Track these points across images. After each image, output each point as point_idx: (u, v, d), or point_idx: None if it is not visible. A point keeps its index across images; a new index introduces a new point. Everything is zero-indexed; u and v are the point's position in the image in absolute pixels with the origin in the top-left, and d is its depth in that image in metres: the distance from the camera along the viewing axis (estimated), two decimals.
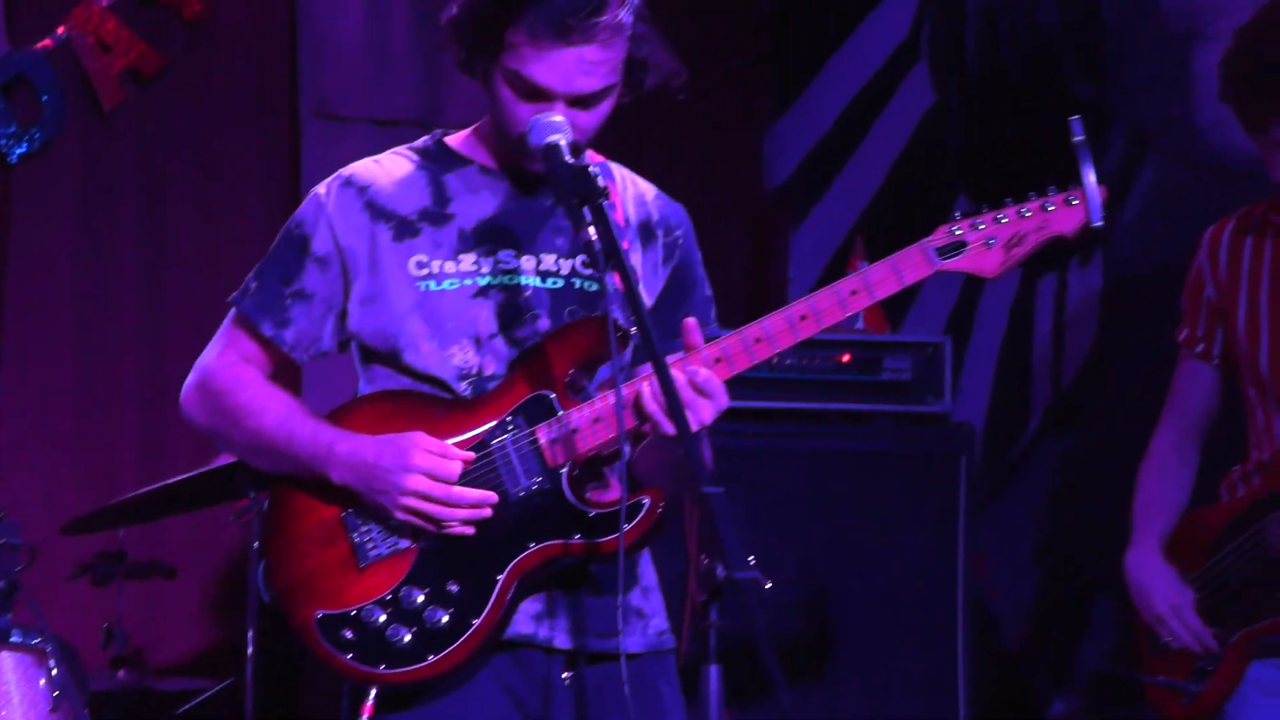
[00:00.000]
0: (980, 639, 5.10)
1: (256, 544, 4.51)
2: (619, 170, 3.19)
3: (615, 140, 3.23)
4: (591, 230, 2.83)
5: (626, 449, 3.08)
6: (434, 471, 2.95)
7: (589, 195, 2.85)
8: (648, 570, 3.14)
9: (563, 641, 3.03)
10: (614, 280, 2.93)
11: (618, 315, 2.93)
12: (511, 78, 2.97)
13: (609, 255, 2.83)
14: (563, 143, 2.92)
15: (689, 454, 2.76)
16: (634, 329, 2.98)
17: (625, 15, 2.97)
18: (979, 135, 5.81)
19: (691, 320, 2.97)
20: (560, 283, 3.08)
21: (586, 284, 3.08)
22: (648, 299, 3.11)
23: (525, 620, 3.01)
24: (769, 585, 2.86)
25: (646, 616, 3.12)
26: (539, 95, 2.96)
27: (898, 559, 4.95)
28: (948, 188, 5.84)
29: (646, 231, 3.18)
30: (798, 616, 4.89)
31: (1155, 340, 4.94)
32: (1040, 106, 5.60)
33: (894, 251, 2.97)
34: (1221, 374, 3.91)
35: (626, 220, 3.14)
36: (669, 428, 2.87)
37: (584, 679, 3.04)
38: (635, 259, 3.11)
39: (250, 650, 4.53)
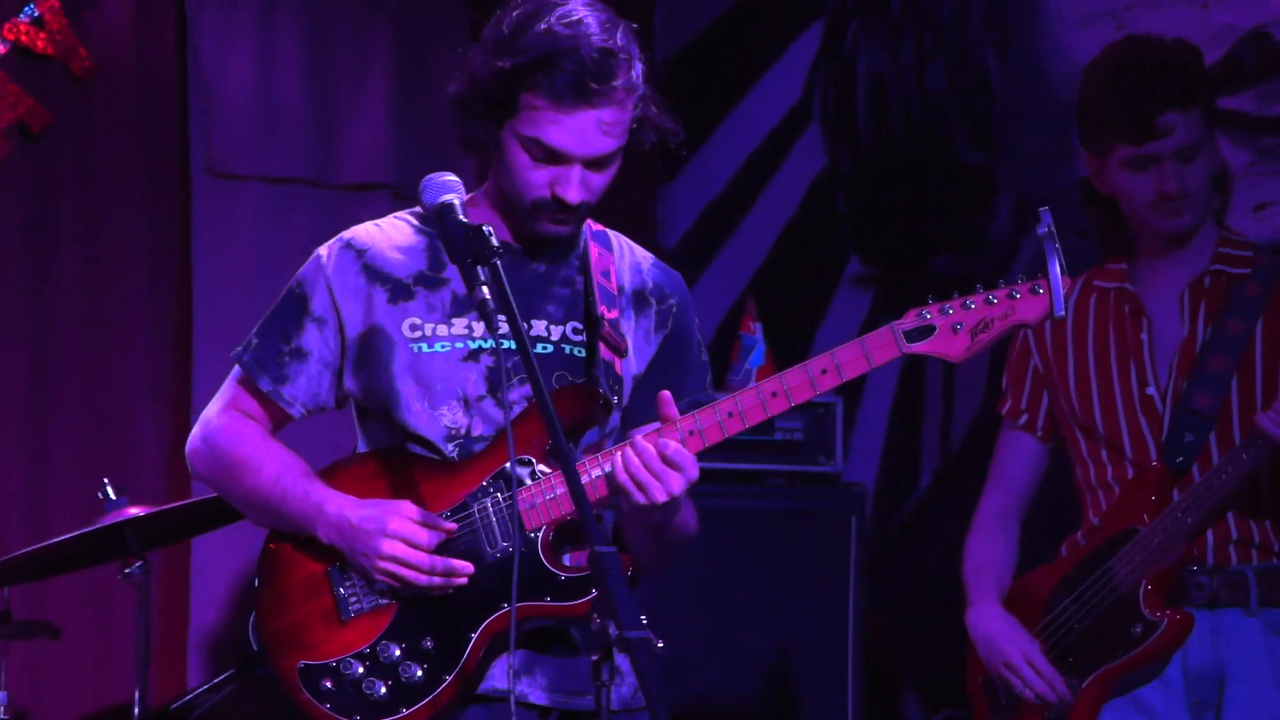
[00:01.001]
0: (870, 696, 5.11)
1: (139, 604, 4.47)
2: (616, 238, 3.28)
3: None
4: (485, 290, 2.85)
5: (609, 515, 3.17)
6: (412, 538, 3.03)
7: (483, 255, 2.88)
8: None
9: (538, 698, 3.12)
10: (603, 353, 3.09)
11: (603, 384, 3.07)
12: (528, 143, 3.06)
13: (507, 318, 2.86)
14: (457, 202, 2.96)
15: (586, 528, 2.78)
16: (615, 398, 3.12)
17: (636, 77, 3.08)
18: (869, 198, 5.83)
19: (666, 394, 3.05)
20: (550, 348, 3.15)
21: (576, 350, 3.16)
22: (637, 366, 3.21)
23: (501, 675, 3.08)
24: (661, 644, 2.91)
25: (623, 674, 3.07)
26: (557, 159, 3.06)
27: (790, 616, 4.98)
28: (839, 250, 5.84)
29: (640, 299, 3.26)
30: (692, 674, 4.88)
31: None
32: (929, 171, 5.66)
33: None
34: (1045, 445, 3.99)
35: (621, 288, 3.23)
36: (639, 498, 2.98)
37: None
38: (627, 327, 3.21)
39: (137, 711, 4.47)
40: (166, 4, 5.38)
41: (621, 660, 3.10)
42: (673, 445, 3.00)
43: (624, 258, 3.27)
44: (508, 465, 3.09)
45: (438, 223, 2.98)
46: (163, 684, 5.16)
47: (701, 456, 4.87)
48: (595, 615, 2.72)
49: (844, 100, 5.88)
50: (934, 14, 5.66)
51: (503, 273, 2.89)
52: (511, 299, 2.88)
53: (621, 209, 3.24)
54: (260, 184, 5.42)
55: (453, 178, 3.02)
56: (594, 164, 3.08)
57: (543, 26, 3.04)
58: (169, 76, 5.38)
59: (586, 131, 3.05)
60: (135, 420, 5.21)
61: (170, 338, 5.26)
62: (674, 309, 3.29)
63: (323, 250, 3.23)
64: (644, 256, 3.33)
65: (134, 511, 4.42)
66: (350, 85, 5.49)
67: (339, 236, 3.23)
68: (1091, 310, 3.91)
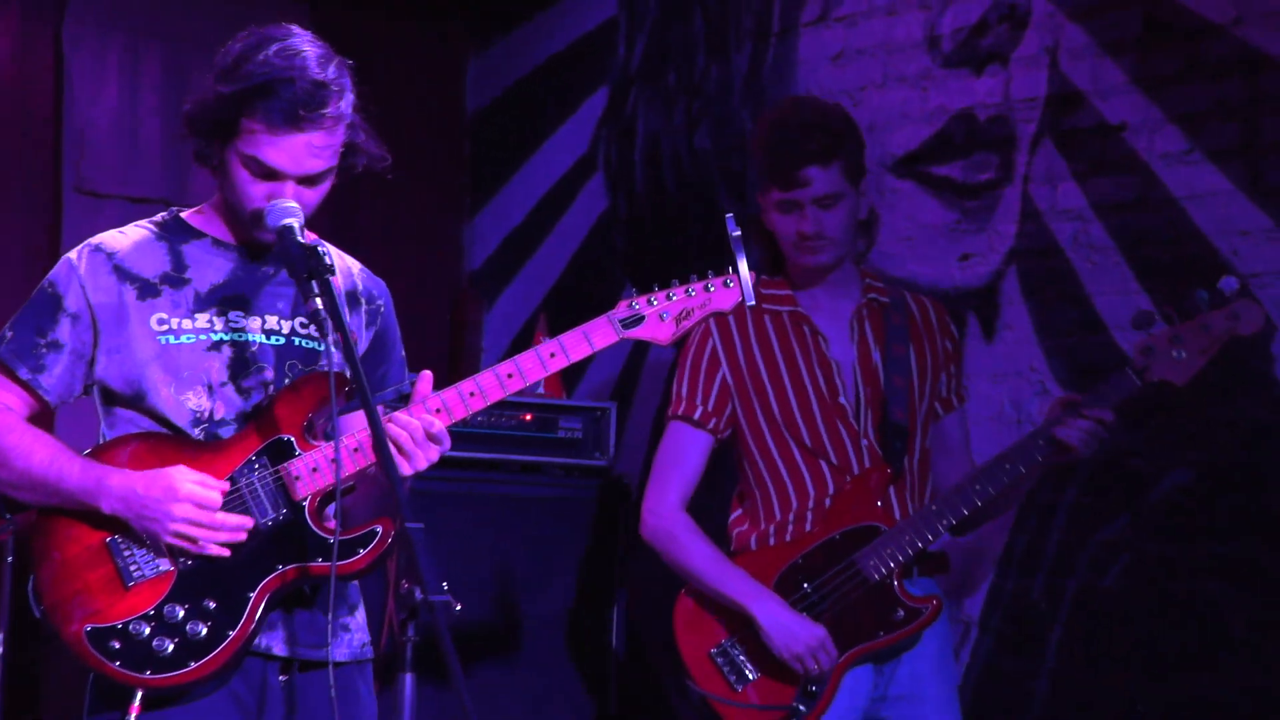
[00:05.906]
0: (629, 663, 5.38)
1: (10, 559, 4.68)
2: (331, 248, 3.32)
3: (338, 227, 3.56)
4: (318, 300, 3.04)
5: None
6: (198, 500, 3.12)
7: (317, 271, 3.06)
8: (354, 590, 3.37)
9: (280, 649, 3.23)
10: (336, 340, 3.13)
11: (343, 370, 3.12)
12: (248, 161, 3.16)
13: (334, 322, 3.05)
14: (296, 225, 3.13)
15: (397, 491, 2.94)
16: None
17: (345, 107, 3.20)
18: (642, 237, 6.07)
19: (427, 373, 3.21)
20: (282, 340, 3.27)
21: (304, 341, 3.28)
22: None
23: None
24: (459, 608, 2.99)
25: (351, 630, 3.34)
26: (272, 175, 3.16)
27: (563, 589, 5.26)
28: (616, 278, 6.12)
29: (353, 299, 3.38)
30: (480, 635, 5.17)
31: None
32: (692, 217, 5.90)
33: (578, 324, 3.29)
34: (717, 445, 4.10)
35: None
36: (403, 467, 3.12)
37: (296, 682, 3.25)
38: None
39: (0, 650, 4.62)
40: (46, 44, 5.56)
41: (351, 619, 3.31)
42: (437, 424, 3.13)
43: (336, 264, 3.28)
44: (264, 445, 3.19)
45: (279, 242, 3.14)
46: (18, 635, 4.89)
47: (495, 450, 5.26)
48: (404, 581, 2.97)
49: (624, 154, 6.13)
50: (702, 85, 5.90)
51: (333, 286, 3.06)
52: (341, 308, 3.06)
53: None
54: (122, 202, 5.57)
55: (293, 204, 3.16)
56: (306, 181, 3.18)
57: (262, 57, 3.14)
58: (45, 107, 5.55)
59: (298, 153, 3.14)
60: None
61: None
62: (380, 309, 3.39)
63: (73, 254, 3.28)
64: (354, 264, 3.42)
65: None
66: None
67: (86, 242, 3.28)
68: (770, 330, 4.05)
